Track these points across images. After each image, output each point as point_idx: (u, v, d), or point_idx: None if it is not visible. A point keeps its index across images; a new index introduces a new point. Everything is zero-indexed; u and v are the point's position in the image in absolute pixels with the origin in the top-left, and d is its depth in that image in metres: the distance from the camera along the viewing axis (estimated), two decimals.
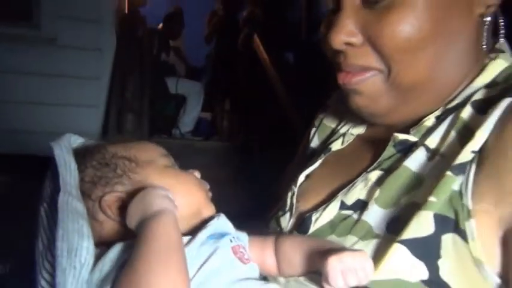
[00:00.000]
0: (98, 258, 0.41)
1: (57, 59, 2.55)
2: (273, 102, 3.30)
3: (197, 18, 4.66)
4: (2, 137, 2.46)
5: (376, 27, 0.44)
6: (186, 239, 0.43)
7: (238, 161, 3.03)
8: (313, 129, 0.70)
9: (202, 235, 0.44)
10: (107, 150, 0.48)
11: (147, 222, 0.39)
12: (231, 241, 0.45)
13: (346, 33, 0.46)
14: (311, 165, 0.60)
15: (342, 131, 0.62)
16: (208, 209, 0.48)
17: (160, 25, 4.14)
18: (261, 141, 3.31)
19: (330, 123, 0.67)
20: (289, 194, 0.58)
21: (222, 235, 0.45)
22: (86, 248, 0.40)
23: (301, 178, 0.60)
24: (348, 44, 0.46)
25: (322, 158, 0.60)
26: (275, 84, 3.18)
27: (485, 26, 0.46)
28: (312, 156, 0.65)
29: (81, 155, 0.47)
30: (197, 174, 0.51)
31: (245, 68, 3.82)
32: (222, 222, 0.47)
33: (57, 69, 2.57)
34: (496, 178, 0.37)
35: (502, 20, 0.47)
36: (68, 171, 0.44)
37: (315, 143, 0.68)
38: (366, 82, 0.47)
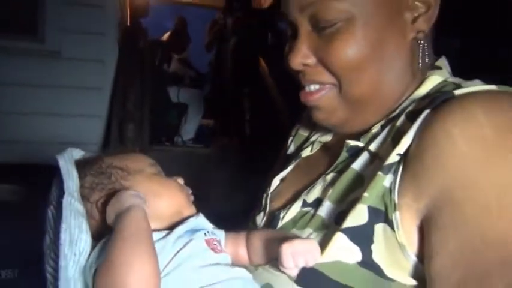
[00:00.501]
0: (93, 249, 0.49)
1: (61, 71, 2.65)
2: (271, 107, 3.40)
3: (200, 27, 4.78)
4: (6, 147, 2.56)
5: (325, 50, 0.52)
6: (165, 232, 0.51)
7: (238, 166, 3.11)
8: (290, 138, 0.78)
9: (179, 230, 0.52)
10: (103, 161, 0.56)
11: (119, 216, 0.47)
12: (205, 235, 0.53)
13: (301, 56, 0.54)
14: (284, 169, 0.69)
15: (313, 139, 0.70)
16: (188, 210, 0.56)
17: (165, 36, 4.26)
18: (262, 146, 3.39)
19: (303, 132, 0.75)
20: (264, 196, 0.66)
21: (196, 230, 0.53)
22: (84, 240, 0.48)
23: (276, 182, 0.68)
24: (305, 64, 0.55)
25: (294, 164, 0.68)
26: (271, 90, 3.27)
27: (420, 48, 0.54)
28: (287, 162, 0.74)
29: (82, 165, 0.56)
30: (180, 180, 0.59)
31: (243, 76, 3.91)
32: (200, 220, 0.55)
33: (60, 81, 2.68)
34: (415, 178, 0.45)
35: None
36: (71, 178, 0.52)
37: (291, 150, 0.76)
38: (323, 98, 0.55)
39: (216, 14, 4.62)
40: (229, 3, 4.17)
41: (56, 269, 0.47)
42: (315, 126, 0.73)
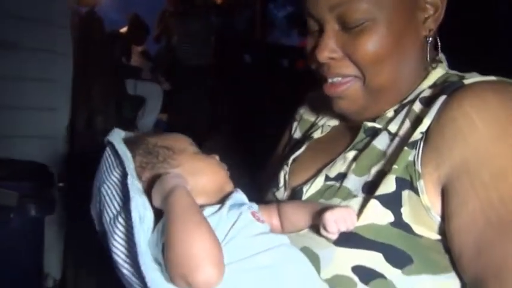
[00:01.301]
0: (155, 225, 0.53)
1: (18, 62, 2.53)
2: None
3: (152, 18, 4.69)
4: None
5: (353, 46, 0.60)
6: (216, 207, 0.57)
7: None
8: (295, 123, 0.85)
9: (227, 204, 0.57)
10: (148, 141, 0.60)
11: (166, 199, 0.51)
12: (249, 208, 0.59)
13: (329, 51, 0.61)
14: (297, 151, 0.76)
15: (320, 123, 0.78)
16: (229, 185, 0.62)
17: (123, 29, 4.15)
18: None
19: (309, 117, 0.83)
20: (282, 173, 0.73)
21: (241, 204, 0.59)
22: (150, 217, 0.52)
23: (290, 161, 0.75)
24: (331, 58, 0.62)
25: (306, 145, 0.76)
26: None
27: (428, 44, 0.64)
28: (295, 144, 0.81)
29: (129, 146, 0.59)
30: (217, 157, 0.64)
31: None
32: (240, 195, 0.61)
33: (18, 73, 2.55)
34: (436, 151, 0.54)
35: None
36: (127, 159, 0.56)
37: (297, 134, 0.83)
38: (348, 89, 0.63)
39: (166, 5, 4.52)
40: None
41: (128, 242, 0.51)
42: (319, 112, 0.81)
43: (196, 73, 3.81)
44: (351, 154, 0.64)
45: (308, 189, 0.66)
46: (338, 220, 0.54)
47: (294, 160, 0.75)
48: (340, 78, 0.63)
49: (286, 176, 0.73)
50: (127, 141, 0.61)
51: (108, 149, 0.60)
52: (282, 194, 0.72)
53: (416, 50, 0.63)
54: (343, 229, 0.54)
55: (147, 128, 4.11)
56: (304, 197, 0.66)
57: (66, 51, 2.82)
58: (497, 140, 0.51)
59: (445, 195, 0.53)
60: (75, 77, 2.50)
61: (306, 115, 0.84)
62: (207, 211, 0.55)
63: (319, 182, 0.65)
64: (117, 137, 0.60)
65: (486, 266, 0.49)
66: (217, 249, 0.47)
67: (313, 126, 0.81)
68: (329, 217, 0.54)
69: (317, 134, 0.77)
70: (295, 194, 0.68)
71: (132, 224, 0.50)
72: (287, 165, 0.74)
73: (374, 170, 0.60)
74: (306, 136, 0.79)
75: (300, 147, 0.76)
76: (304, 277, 0.53)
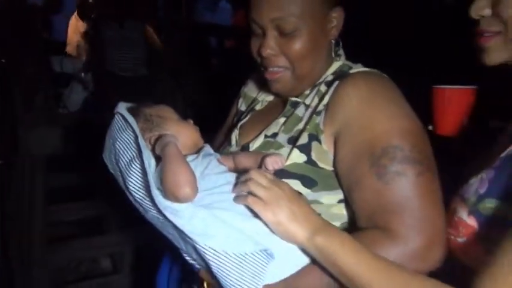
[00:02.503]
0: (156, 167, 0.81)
1: None
2: None
3: None
4: None
5: (286, 47, 0.90)
6: (194, 156, 0.85)
7: None
8: (240, 99, 1.15)
9: (201, 154, 0.86)
10: (144, 112, 0.87)
11: (163, 149, 0.79)
12: (215, 157, 0.89)
13: (270, 49, 0.91)
14: (244, 119, 1.06)
15: (260, 98, 1.09)
16: (201, 141, 0.91)
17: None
18: None
19: (251, 94, 1.13)
20: (234, 135, 1.03)
21: (210, 154, 0.89)
22: (153, 163, 0.79)
23: (239, 126, 1.05)
24: (271, 54, 0.91)
25: (250, 115, 1.07)
26: None
27: (333, 43, 0.96)
28: (241, 115, 1.11)
29: (133, 115, 0.85)
30: (191, 121, 0.92)
31: None
32: (208, 148, 0.91)
33: None
34: (330, 116, 0.87)
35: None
36: (135, 125, 0.82)
37: (243, 107, 1.13)
38: (281, 76, 0.93)
39: None
40: None
41: (143, 179, 0.78)
42: (259, 90, 1.12)
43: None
44: (281, 120, 0.96)
45: (253, 145, 0.97)
46: (273, 162, 0.85)
47: (241, 126, 1.05)
48: (276, 68, 0.93)
49: (237, 137, 1.03)
50: (130, 112, 0.87)
51: (117, 116, 0.86)
52: (234, 149, 1.02)
53: (326, 49, 0.95)
54: (277, 167, 0.86)
55: (76, 106, 4.10)
56: (251, 150, 0.97)
57: None
58: (363, 109, 0.85)
59: (335, 143, 0.88)
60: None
61: (249, 92, 1.15)
62: (189, 158, 0.84)
63: (260, 139, 0.97)
64: (122, 108, 0.85)
65: (351, 180, 0.83)
66: (193, 178, 0.76)
67: (254, 100, 1.12)
68: (268, 160, 0.85)
69: (258, 107, 1.08)
70: (243, 149, 0.99)
71: (145, 167, 0.77)
72: (237, 129, 1.04)
73: (295, 130, 0.92)
74: (250, 108, 1.10)
75: (246, 116, 1.07)
76: None
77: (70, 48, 4.25)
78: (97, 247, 2.43)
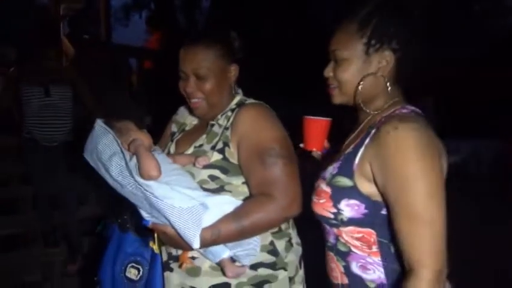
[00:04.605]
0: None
1: None
2: None
3: None
4: None
5: (203, 87, 1.41)
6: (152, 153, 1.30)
7: None
8: (173, 124, 1.63)
9: (156, 152, 1.32)
10: (115, 126, 1.31)
11: (136, 150, 1.25)
12: (162, 153, 1.36)
13: (192, 88, 1.41)
14: (177, 137, 1.53)
15: (187, 122, 1.58)
16: (152, 144, 1.36)
17: None
18: None
19: (180, 119, 1.62)
20: (171, 147, 1.50)
21: (160, 153, 1.35)
22: (132, 161, 1.23)
23: (174, 142, 1.51)
24: (193, 91, 1.42)
25: (181, 134, 1.54)
26: None
27: (232, 85, 1.49)
28: (173, 135, 1.58)
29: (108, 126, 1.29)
30: (145, 130, 1.37)
31: None
32: (158, 148, 1.38)
33: None
34: (234, 132, 1.37)
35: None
36: (112, 133, 1.25)
37: (174, 129, 1.60)
38: (200, 105, 1.44)
39: None
40: None
41: (119, 169, 1.22)
42: (186, 117, 1.60)
43: None
44: (204, 136, 1.45)
45: (187, 153, 1.43)
46: (202, 160, 1.34)
47: (176, 141, 1.52)
48: (196, 100, 1.43)
49: (174, 148, 1.50)
50: (106, 124, 1.30)
51: (97, 126, 1.30)
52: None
53: (228, 89, 1.47)
54: (204, 164, 1.34)
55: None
56: None
57: None
58: (253, 125, 1.36)
59: (238, 147, 1.37)
60: None
61: (179, 119, 1.63)
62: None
63: (191, 149, 1.44)
64: (100, 122, 1.30)
65: (247, 168, 1.33)
66: (158, 165, 1.22)
67: (183, 124, 1.60)
68: (199, 159, 1.34)
69: (187, 128, 1.57)
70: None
71: (126, 160, 1.22)
72: (173, 144, 1.52)
73: (214, 141, 1.41)
74: (181, 130, 1.58)
75: (179, 135, 1.54)
76: (189, 179, 1.32)
77: None
78: None
